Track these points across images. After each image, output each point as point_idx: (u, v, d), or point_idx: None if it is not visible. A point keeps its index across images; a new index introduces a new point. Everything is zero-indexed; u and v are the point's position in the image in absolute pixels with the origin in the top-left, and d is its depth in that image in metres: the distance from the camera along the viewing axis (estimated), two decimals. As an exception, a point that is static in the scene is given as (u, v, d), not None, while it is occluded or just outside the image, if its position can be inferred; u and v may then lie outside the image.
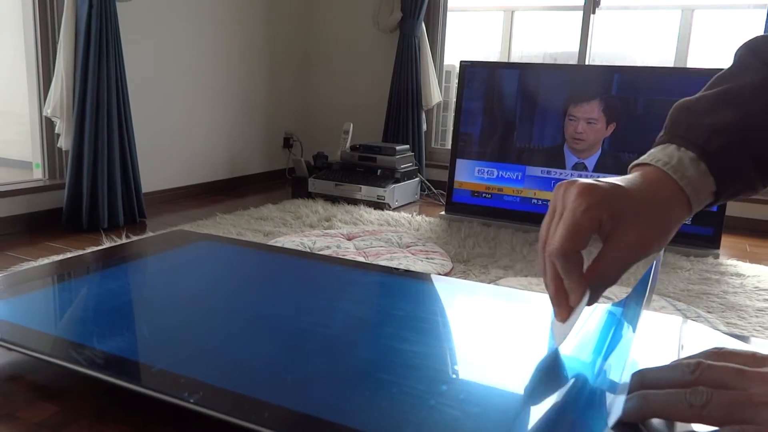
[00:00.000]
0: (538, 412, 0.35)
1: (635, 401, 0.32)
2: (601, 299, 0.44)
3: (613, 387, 0.34)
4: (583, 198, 0.41)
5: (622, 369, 0.35)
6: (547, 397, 0.37)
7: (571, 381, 0.39)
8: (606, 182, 0.43)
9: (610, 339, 0.43)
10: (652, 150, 0.48)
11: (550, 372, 0.40)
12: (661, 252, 0.45)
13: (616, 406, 0.32)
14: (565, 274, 0.41)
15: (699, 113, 0.47)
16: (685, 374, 0.33)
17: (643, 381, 0.34)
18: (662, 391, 0.32)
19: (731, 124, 0.46)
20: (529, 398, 0.36)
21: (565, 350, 0.43)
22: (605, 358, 0.40)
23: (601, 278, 0.42)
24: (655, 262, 0.45)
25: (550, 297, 0.43)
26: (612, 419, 0.31)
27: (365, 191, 3.27)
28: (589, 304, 0.42)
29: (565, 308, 0.42)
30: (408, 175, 3.46)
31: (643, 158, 0.47)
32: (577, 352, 0.43)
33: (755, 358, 0.33)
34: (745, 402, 0.30)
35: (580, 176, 2.84)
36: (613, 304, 0.50)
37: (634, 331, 0.40)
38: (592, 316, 0.49)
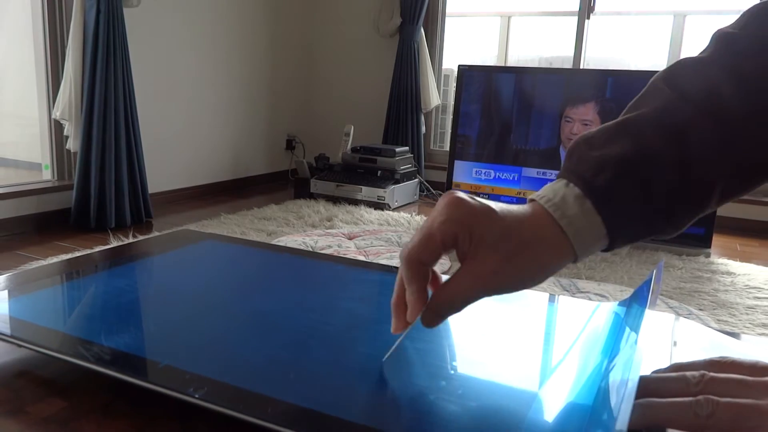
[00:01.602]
0: (536, 407, 0.35)
1: (640, 410, 0.31)
2: (599, 298, 0.43)
3: (618, 389, 0.34)
4: (446, 209, 0.37)
5: (628, 371, 0.35)
6: (546, 394, 0.37)
7: (573, 380, 0.38)
8: (480, 201, 0.37)
9: (616, 340, 0.43)
10: (546, 184, 0.41)
11: (553, 369, 0.40)
12: (662, 261, 0.41)
13: (624, 411, 0.31)
14: (407, 283, 0.37)
15: (593, 145, 0.40)
16: (689, 386, 0.32)
17: (646, 390, 0.33)
18: (667, 400, 0.31)
19: (619, 156, 0.38)
20: (530, 395, 0.36)
21: (573, 349, 0.43)
22: (611, 359, 0.40)
23: (444, 302, 0.37)
24: (656, 269, 0.43)
25: (391, 304, 0.39)
26: (618, 425, 0.30)
27: (366, 192, 3.27)
28: (426, 326, 0.37)
29: (401, 320, 0.38)
30: (407, 176, 3.46)
31: (535, 193, 0.40)
32: (584, 351, 0.43)
33: (757, 367, 0.32)
34: (751, 411, 0.29)
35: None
36: (618, 304, 0.49)
37: (637, 333, 0.40)
38: (597, 315, 0.49)
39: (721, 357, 0.34)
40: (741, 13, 0.42)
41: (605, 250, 0.40)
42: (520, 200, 2.94)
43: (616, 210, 0.38)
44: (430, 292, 0.38)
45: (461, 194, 0.37)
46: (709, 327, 0.50)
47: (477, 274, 0.36)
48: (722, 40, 0.41)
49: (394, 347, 0.39)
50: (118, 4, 2.55)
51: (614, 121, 0.41)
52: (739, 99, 0.39)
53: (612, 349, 0.41)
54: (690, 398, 0.31)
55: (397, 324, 0.38)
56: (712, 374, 0.32)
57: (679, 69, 0.42)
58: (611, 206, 0.38)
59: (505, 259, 0.36)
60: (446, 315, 0.37)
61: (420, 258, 0.36)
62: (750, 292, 2.07)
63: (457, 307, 0.37)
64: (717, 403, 0.30)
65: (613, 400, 0.33)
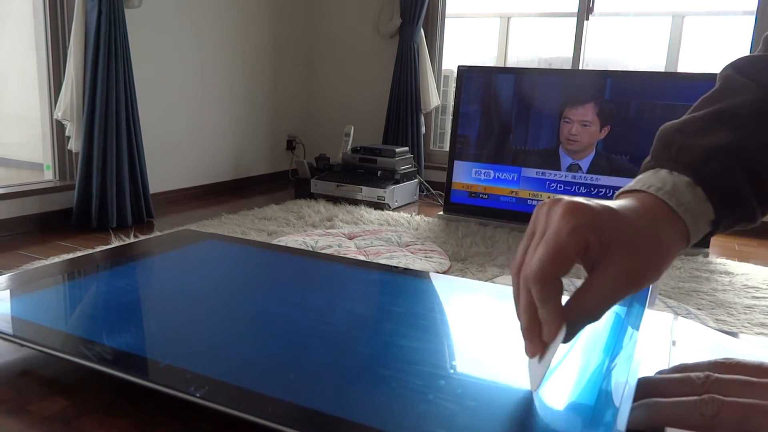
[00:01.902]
0: (537, 407, 0.35)
1: (645, 410, 0.31)
2: None
3: (619, 388, 0.34)
4: (569, 217, 0.34)
5: (628, 371, 0.35)
6: (546, 393, 0.37)
7: (574, 380, 0.38)
8: (596, 202, 0.36)
9: (617, 339, 0.43)
10: (639, 176, 0.41)
11: (553, 369, 0.40)
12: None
13: (622, 411, 0.31)
14: (540, 303, 0.34)
15: (690, 135, 0.41)
16: (694, 387, 0.31)
17: (651, 390, 0.32)
18: (672, 400, 0.31)
19: (728, 146, 0.39)
20: (530, 394, 0.36)
21: (574, 348, 0.43)
22: (612, 358, 0.40)
23: (584, 312, 0.35)
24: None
25: (522, 329, 0.36)
26: (620, 426, 0.30)
27: (366, 192, 3.27)
28: (566, 341, 0.35)
29: (537, 343, 0.35)
30: (407, 177, 3.46)
31: (631, 184, 0.40)
32: (585, 351, 0.43)
33: (762, 368, 0.32)
34: (757, 411, 0.29)
35: (575, 177, 2.85)
36: (618, 304, 0.49)
37: (637, 331, 0.40)
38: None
39: (725, 358, 0.33)
40: (755, 15, 0.48)
41: (706, 236, 0.40)
42: (518, 200, 2.94)
43: (726, 197, 0.39)
44: None
45: (577, 198, 0.36)
46: (708, 326, 0.51)
47: (615, 277, 0.35)
48: None
49: (545, 376, 0.35)
50: (119, 5, 2.55)
51: (701, 112, 0.43)
52: None
53: (613, 348, 0.41)
54: (695, 398, 0.30)
55: (534, 349, 0.36)
56: (717, 375, 0.32)
57: (750, 65, 0.44)
58: (721, 193, 0.39)
59: (639, 257, 0.35)
60: (585, 326, 0.36)
61: (556, 273, 0.34)
62: (748, 292, 2.07)
63: (598, 316, 0.35)
64: (722, 403, 0.30)
65: (616, 400, 0.33)
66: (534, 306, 0.35)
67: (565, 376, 0.38)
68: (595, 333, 0.45)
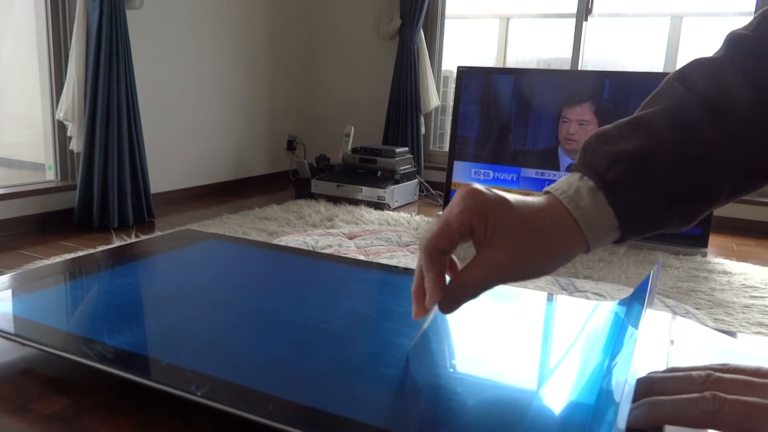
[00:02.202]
0: (537, 407, 0.35)
1: (645, 408, 0.31)
2: (597, 297, 0.43)
3: (619, 387, 0.34)
4: (463, 200, 0.38)
5: (627, 369, 0.35)
6: (546, 393, 0.37)
7: (574, 379, 0.38)
8: (494, 192, 0.38)
9: (617, 339, 0.43)
10: (561, 177, 0.42)
11: (553, 369, 0.40)
12: (659, 260, 0.40)
13: (622, 409, 0.30)
14: (425, 271, 0.38)
15: (607, 140, 0.41)
16: (694, 385, 0.32)
17: (651, 388, 0.33)
18: (673, 398, 0.31)
19: (633, 151, 0.39)
20: (530, 394, 0.36)
21: (573, 348, 0.43)
22: (612, 357, 0.40)
23: (460, 289, 0.38)
24: (655, 268, 0.43)
25: (411, 291, 0.40)
26: (620, 424, 0.29)
27: (366, 192, 3.27)
28: (444, 312, 0.38)
29: (420, 306, 0.39)
30: (407, 177, 3.46)
31: (549, 186, 0.42)
32: (585, 350, 0.43)
33: (760, 372, 0.32)
34: (759, 409, 0.29)
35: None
36: (618, 303, 0.49)
37: (637, 330, 0.40)
38: (597, 314, 0.48)
39: (722, 364, 0.33)
40: (753, 16, 0.44)
41: (617, 242, 0.40)
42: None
43: (628, 203, 0.39)
44: (448, 279, 0.39)
45: (478, 186, 0.38)
46: (706, 326, 0.50)
47: (492, 261, 0.37)
48: (735, 41, 0.43)
49: (418, 335, 0.40)
50: (120, 5, 2.55)
51: (628, 117, 0.42)
52: (749, 99, 0.40)
53: (614, 347, 0.41)
54: (696, 395, 0.30)
55: (417, 310, 0.39)
56: (718, 374, 0.32)
57: (693, 68, 0.43)
58: (623, 199, 0.39)
59: (519, 246, 0.37)
60: (462, 301, 0.38)
61: (437, 246, 0.38)
62: (746, 292, 2.07)
63: (473, 294, 0.38)
64: (724, 400, 0.29)
65: (617, 399, 0.33)
66: (422, 273, 0.39)
67: (566, 375, 0.38)
68: (595, 332, 0.45)
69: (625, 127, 0.41)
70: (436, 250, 0.38)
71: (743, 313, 1.87)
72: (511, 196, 0.39)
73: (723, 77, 0.41)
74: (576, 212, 0.38)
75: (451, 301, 0.38)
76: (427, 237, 0.38)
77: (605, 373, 0.38)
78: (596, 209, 0.39)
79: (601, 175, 0.39)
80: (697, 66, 0.43)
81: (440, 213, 0.33)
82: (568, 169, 0.38)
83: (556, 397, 0.36)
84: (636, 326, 0.40)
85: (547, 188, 0.41)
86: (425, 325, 0.40)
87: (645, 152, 0.39)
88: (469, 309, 0.51)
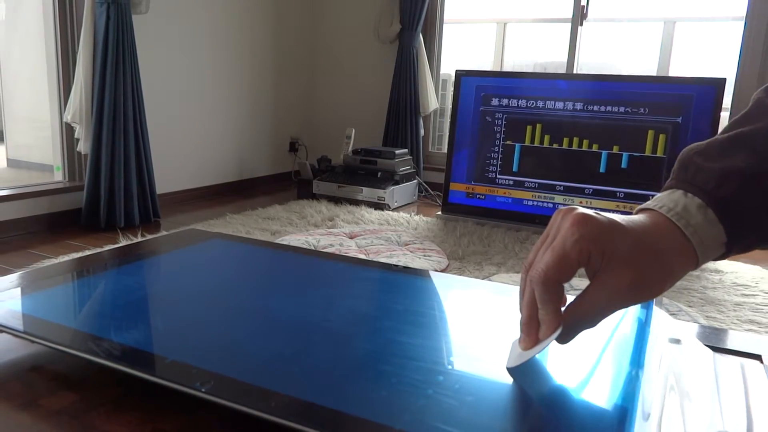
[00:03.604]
0: (531, 402, 0.35)
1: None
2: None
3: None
4: (576, 227, 0.36)
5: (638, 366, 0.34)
6: (539, 390, 0.37)
7: (574, 379, 0.38)
8: (605, 216, 0.37)
9: (641, 345, 0.42)
10: (658, 194, 0.41)
11: (551, 368, 0.40)
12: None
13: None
14: (541, 304, 0.37)
15: (708, 157, 0.40)
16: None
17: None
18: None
19: (744, 169, 0.39)
20: (530, 394, 0.36)
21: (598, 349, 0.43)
22: (637, 364, 0.39)
23: (579, 318, 0.37)
24: None
25: (521, 323, 0.38)
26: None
27: (366, 192, 3.27)
28: (562, 342, 0.37)
29: (532, 338, 0.38)
30: (407, 178, 3.46)
31: (647, 203, 0.41)
32: (607, 353, 0.42)
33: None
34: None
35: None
36: (641, 307, 0.48)
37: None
38: (625, 321, 0.47)
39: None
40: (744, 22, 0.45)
41: (720, 257, 0.40)
42: (514, 200, 2.94)
43: (738, 220, 0.38)
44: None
45: (586, 211, 0.37)
46: (698, 323, 0.51)
47: (613, 287, 0.36)
48: None
49: (524, 361, 0.38)
50: (127, 11, 2.55)
51: (725, 135, 0.42)
52: None
53: (639, 354, 0.40)
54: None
55: (528, 342, 0.38)
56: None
57: None
58: (734, 217, 0.38)
59: (639, 271, 0.36)
60: (581, 330, 0.37)
61: (558, 279, 0.36)
62: (737, 290, 2.07)
63: (593, 323, 0.37)
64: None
65: (640, 409, 0.32)
66: (535, 304, 0.37)
67: (569, 375, 0.38)
68: (624, 339, 0.45)
69: (725, 144, 0.41)
70: (557, 282, 0.36)
71: (735, 310, 1.87)
72: (620, 218, 0.38)
73: None
74: (688, 230, 0.38)
75: (572, 331, 0.37)
76: (544, 269, 0.36)
77: (629, 378, 0.37)
78: (707, 227, 0.38)
79: (709, 192, 0.39)
80: None
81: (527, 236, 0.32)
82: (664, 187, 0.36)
83: (555, 395, 0.36)
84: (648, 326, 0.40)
85: (646, 205, 0.41)
86: (531, 355, 0.38)
87: (754, 169, 0.39)
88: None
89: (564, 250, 0.36)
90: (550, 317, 0.36)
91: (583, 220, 0.36)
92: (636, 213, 0.41)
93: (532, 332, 0.38)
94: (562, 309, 0.37)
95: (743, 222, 0.38)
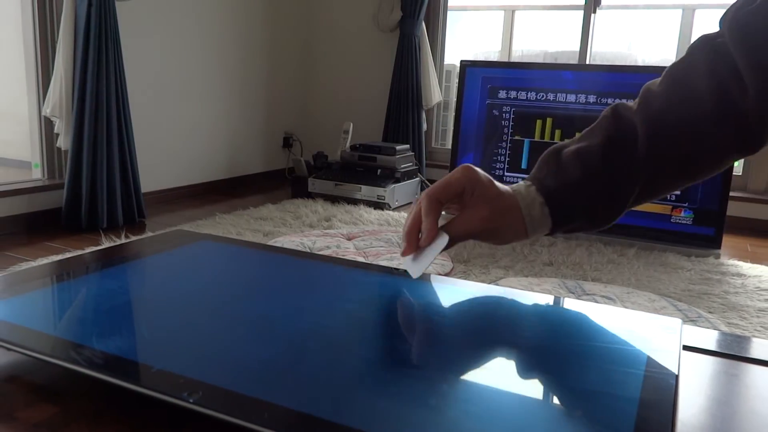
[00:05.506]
0: (539, 413, 0.35)
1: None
2: (606, 300, 0.44)
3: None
4: (463, 169, 0.56)
5: None
6: (546, 397, 0.37)
7: (580, 390, 0.38)
8: (484, 172, 0.56)
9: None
10: (526, 180, 0.60)
11: (552, 372, 0.40)
12: (446, 238, 0.55)
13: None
14: (424, 216, 0.54)
15: (559, 165, 0.58)
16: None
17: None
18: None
19: (576, 180, 0.57)
20: (533, 401, 0.36)
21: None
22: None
23: (449, 232, 0.54)
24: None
25: (403, 232, 0.55)
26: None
27: (365, 191, 3.27)
28: (423, 245, 0.54)
29: (411, 246, 0.54)
30: (408, 175, 3.46)
31: (518, 184, 0.59)
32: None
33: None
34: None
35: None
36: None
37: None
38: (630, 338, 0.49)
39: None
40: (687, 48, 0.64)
41: (546, 236, 0.61)
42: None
43: (563, 218, 0.59)
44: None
45: (473, 166, 0.56)
46: (719, 330, 0.51)
47: (473, 216, 0.55)
48: (644, 93, 0.63)
49: (424, 268, 0.53)
50: (110, -3, 2.55)
51: (573, 146, 0.59)
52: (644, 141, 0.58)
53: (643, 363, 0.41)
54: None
55: (408, 249, 0.55)
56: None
57: (628, 104, 0.63)
58: (561, 216, 0.58)
59: (493, 211, 0.56)
60: (451, 245, 0.55)
61: (438, 197, 0.55)
62: (761, 294, 2.07)
63: (456, 240, 0.55)
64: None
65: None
66: (418, 217, 0.55)
67: (575, 385, 0.38)
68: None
69: (571, 156, 0.58)
70: (437, 200, 0.55)
71: (758, 316, 1.87)
72: (495, 181, 0.57)
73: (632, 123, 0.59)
74: (527, 218, 0.57)
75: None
76: (431, 189, 0.55)
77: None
78: (541, 218, 0.58)
79: (549, 197, 0.58)
80: (644, 99, 0.61)
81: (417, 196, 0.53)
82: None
83: (557, 404, 0.36)
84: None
85: (514, 186, 0.59)
86: (427, 264, 0.53)
87: (582, 181, 0.57)
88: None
89: (449, 179, 0.55)
90: (429, 227, 0.54)
91: (468, 168, 0.56)
92: (510, 187, 0.59)
93: (412, 241, 0.55)
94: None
95: (566, 219, 0.58)
